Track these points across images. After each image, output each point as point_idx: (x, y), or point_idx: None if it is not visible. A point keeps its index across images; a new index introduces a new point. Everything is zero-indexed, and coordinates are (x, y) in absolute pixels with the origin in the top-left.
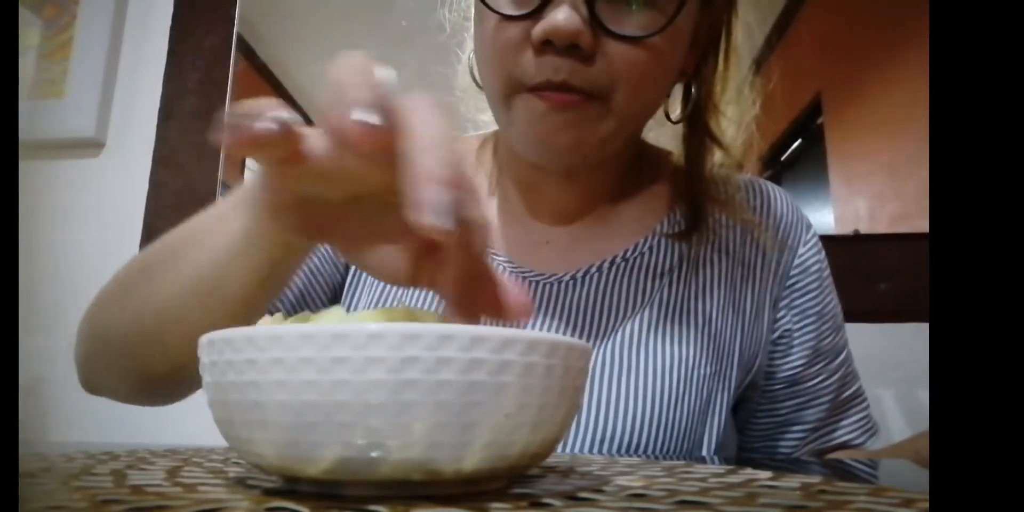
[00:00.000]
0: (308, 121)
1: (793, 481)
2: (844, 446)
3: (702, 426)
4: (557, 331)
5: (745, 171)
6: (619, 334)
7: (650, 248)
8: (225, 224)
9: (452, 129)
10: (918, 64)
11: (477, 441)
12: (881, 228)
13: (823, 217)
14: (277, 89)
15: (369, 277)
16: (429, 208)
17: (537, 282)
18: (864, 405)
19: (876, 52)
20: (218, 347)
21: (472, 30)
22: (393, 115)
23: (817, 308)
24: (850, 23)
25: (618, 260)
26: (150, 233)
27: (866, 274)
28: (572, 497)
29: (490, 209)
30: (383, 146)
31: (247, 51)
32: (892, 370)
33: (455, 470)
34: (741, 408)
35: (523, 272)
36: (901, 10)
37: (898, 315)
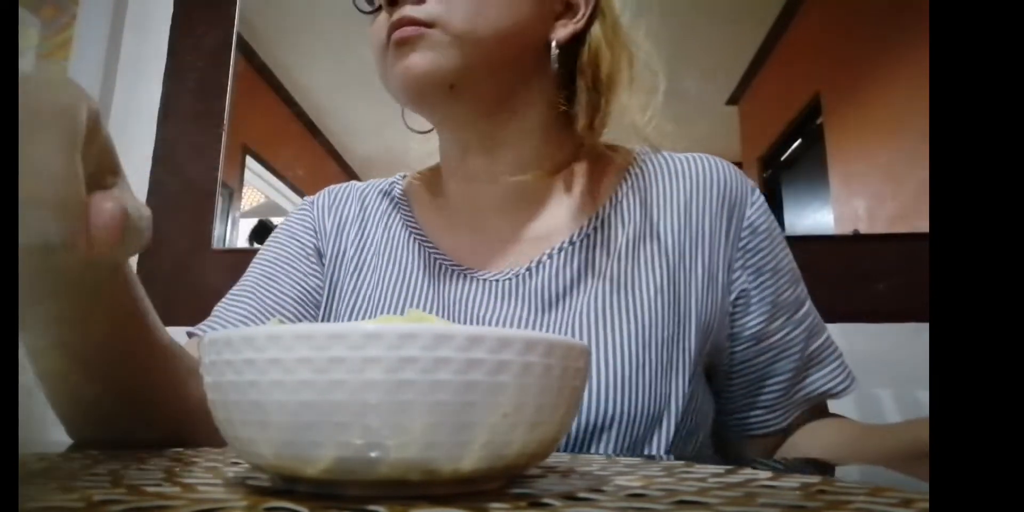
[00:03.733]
0: (306, 121)
1: (792, 481)
2: (826, 395)
3: (666, 387)
4: (516, 314)
5: (744, 170)
6: (575, 310)
7: (595, 228)
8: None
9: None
10: (917, 64)
11: (475, 441)
12: (880, 228)
13: (822, 217)
14: (276, 89)
15: (343, 303)
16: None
17: (497, 281)
18: (837, 354)
19: (875, 53)
20: (217, 347)
21: None
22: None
23: (771, 264)
24: (849, 24)
25: (566, 245)
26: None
27: (865, 274)
28: (571, 497)
29: (442, 219)
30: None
31: (247, 51)
32: (891, 370)
33: (453, 470)
34: (714, 373)
35: (482, 276)
36: (900, 11)
37: (897, 315)
